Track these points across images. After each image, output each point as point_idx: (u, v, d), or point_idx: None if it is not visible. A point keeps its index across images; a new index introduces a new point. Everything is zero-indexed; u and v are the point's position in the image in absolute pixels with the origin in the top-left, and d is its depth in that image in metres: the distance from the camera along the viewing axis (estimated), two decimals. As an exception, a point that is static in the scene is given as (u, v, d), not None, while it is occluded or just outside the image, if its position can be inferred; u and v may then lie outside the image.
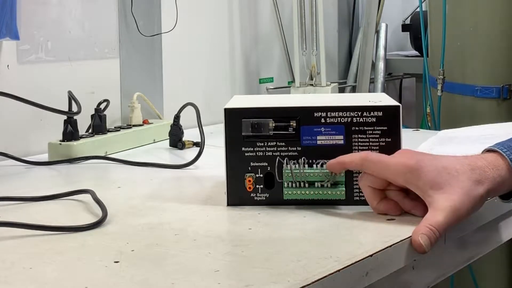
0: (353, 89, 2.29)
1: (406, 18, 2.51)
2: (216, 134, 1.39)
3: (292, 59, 1.91)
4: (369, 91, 2.25)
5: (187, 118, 1.45)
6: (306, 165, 0.92)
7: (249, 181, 0.93)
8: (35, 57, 1.42)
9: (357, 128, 0.92)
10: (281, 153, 0.93)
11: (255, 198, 0.94)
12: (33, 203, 0.99)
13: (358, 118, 0.92)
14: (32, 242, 0.80)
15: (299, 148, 0.93)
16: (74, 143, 1.30)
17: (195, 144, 1.42)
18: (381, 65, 2.32)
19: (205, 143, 1.28)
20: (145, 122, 1.53)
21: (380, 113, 0.92)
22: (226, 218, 0.90)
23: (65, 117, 1.32)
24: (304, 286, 0.65)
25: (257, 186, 0.93)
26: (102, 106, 1.42)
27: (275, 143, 0.93)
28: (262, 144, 0.93)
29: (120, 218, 0.90)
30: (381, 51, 2.33)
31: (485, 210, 0.96)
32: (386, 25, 2.35)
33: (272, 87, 2.04)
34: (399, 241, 0.78)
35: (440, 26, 1.92)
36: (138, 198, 1.01)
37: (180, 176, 1.17)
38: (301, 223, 0.86)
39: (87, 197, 0.99)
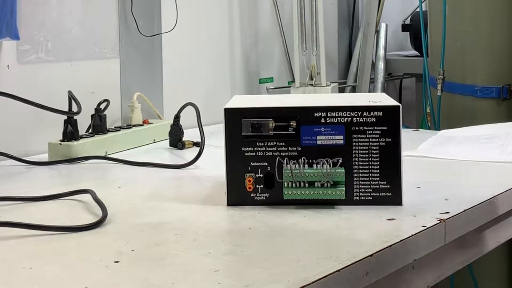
0: (353, 89, 2.28)
1: (406, 18, 2.51)
2: (216, 134, 1.39)
3: (292, 59, 1.91)
4: (369, 91, 2.25)
5: (187, 118, 1.45)
6: (306, 165, 0.92)
7: (249, 181, 0.93)
8: (35, 57, 1.42)
9: (357, 128, 0.92)
10: (281, 153, 0.93)
11: (255, 198, 0.94)
12: (33, 203, 0.99)
13: (358, 118, 0.92)
14: (32, 242, 0.80)
15: (299, 148, 0.93)
16: (74, 143, 1.30)
17: (195, 144, 1.42)
18: (381, 65, 2.32)
19: (205, 143, 1.28)
20: (145, 122, 1.53)
21: (380, 113, 0.92)
22: (226, 218, 0.90)
23: (65, 117, 1.32)
24: (304, 286, 0.65)
25: (257, 186, 0.93)
26: (102, 106, 1.42)
27: (275, 143, 0.93)
28: (262, 144, 0.93)
29: (120, 218, 0.90)
30: (381, 51, 2.33)
31: (485, 210, 0.96)
32: (386, 25, 2.35)
33: (272, 87, 2.04)
34: (399, 241, 0.78)
35: (440, 26, 1.91)
36: (138, 198, 1.01)
37: (180, 176, 1.17)
38: (301, 223, 0.86)
39: (87, 197, 0.99)
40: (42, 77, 1.43)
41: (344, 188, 0.91)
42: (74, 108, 1.32)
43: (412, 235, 0.80)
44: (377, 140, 0.92)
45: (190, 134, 1.44)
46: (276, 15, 1.93)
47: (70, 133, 1.31)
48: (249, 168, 0.94)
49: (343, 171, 0.91)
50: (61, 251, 0.77)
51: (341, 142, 0.92)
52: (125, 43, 1.60)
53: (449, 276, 1.07)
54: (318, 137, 0.93)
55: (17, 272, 0.70)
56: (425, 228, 0.83)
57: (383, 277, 0.76)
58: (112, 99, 1.50)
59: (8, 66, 1.37)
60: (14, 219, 0.85)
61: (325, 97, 1.13)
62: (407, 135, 1.28)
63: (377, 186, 0.93)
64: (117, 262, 0.73)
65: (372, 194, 0.93)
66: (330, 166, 0.91)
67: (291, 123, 0.93)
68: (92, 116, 1.40)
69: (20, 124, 1.40)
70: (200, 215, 0.91)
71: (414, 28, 2.37)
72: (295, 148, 0.93)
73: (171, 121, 1.45)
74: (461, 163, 1.22)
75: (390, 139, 0.92)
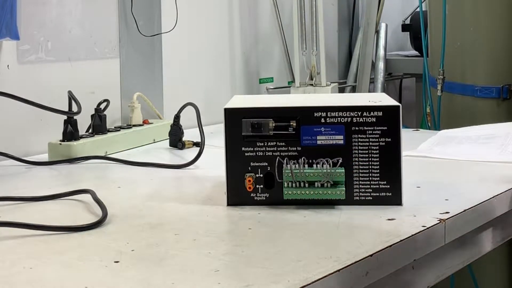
0: (353, 89, 2.28)
1: (406, 18, 2.51)
2: (216, 134, 1.39)
3: (292, 59, 1.91)
4: (369, 91, 2.25)
5: (187, 118, 1.45)
6: (306, 165, 0.92)
7: (249, 181, 0.93)
8: (35, 57, 1.42)
9: (357, 128, 0.92)
10: (281, 153, 0.93)
11: (255, 198, 0.94)
12: (33, 203, 0.99)
13: (358, 118, 0.92)
14: (32, 242, 0.80)
15: (299, 148, 0.93)
16: (74, 143, 1.30)
17: (195, 144, 1.42)
18: (381, 65, 2.32)
19: (205, 143, 1.28)
20: (145, 122, 1.53)
21: (380, 113, 0.92)
22: (226, 218, 0.90)
23: (65, 117, 1.32)
24: (304, 286, 0.65)
25: (257, 186, 0.93)
26: (102, 106, 1.42)
27: (275, 143, 0.93)
28: (262, 144, 0.93)
29: (120, 218, 0.90)
30: (381, 51, 2.33)
31: (485, 210, 0.96)
32: (386, 25, 2.35)
33: (272, 87, 2.04)
34: (399, 241, 0.78)
35: (440, 26, 1.91)
36: (138, 198, 1.01)
37: (180, 176, 1.17)
38: (301, 223, 0.86)
39: (87, 197, 0.99)
40: (42, 77, 1.43)
41: (344, 188, 0.91)
42: (74, 108, 1.32)
43: (412, 235, 0.80)
44: (377, 140, 0.92)
45: (190, 134, 1.44)
46: (276, 15, 1.93)
47: (70, 133, 1.31)
48: (249, 168, 0.94)
49: (343, 171, 0.91)
50: (61, 251, 0.77)
51: (341, 142, 0.92)
52: (125, 43, 1.60)
53: (449, 276, 1.07)
54: (318, 137, 0.93)
55: (17, 272, 0.70)
56: (425, 228, 0.83)
57: (383, 277, 0.76)
58: (112, 99, 1.50)
59: (8, 66, 1.37)
60: (14, 219, 0.85)
61: (325, 97, 1.13)
62: (407, 135, 1.28)
63: (377, 186, 0.93)
64: (117, 262, 0.73)
65: (372, 194, 0.93)
66: (330, 166, 0.91)
67: (291, 123, 0.93)
68: (92, 116, 1.40)
69: (20, 124, 1.40)
70: (200, 215, 0.91)
71: (414, 28, 2.37)
72: (295, 148, 0.93)
73: (171, 121, 1.45)
74: (461, 163, 1.22)
75: (390, 139, 0.92)
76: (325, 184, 0.91)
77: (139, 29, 1.61)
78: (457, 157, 1.25)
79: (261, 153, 0.93)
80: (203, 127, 1.34)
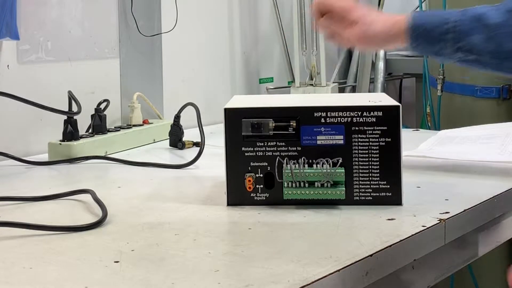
0: (353, 89, 2.28)
1: (406, 18, 2.51)
2: (216, 134, 1.39)
3: (292, 59, 1.91)
4: (369, 91, 2.25)
5: (187, 118, 1.45)
6: (306, 165, 0.92)
7: (249, 181, 0.93)
8: (35, 57, 1.42)
9: (357, 128, 0.92)
10: (281, 153, 0.93)
11: (255, 198, 0.94)
12: (33, 203, 0.99)
13: (358, 118, 0.92)
14: (32, 242, 0.80)
15: (299, 148, 0.93)
16: (74, 143, 1.30)
17: (195, 144, 1.42)
18: (381, 65, 2.32)
19: (205, 143, 1.28)
20: (145, 122, 1.53)
21: (380, 113, 0.92)
22: (226, 218, 0.90)
23: (65, 117, 1.32)
24: (304, 286, 0.65)
25: (257, 186, 0.93)
26: (102, 106, 1.42)
27: (275, 143, 0.93)
28: (262, 144, 0.93)
29: (120, 218, 0.90)
30: (381, 51, 2.32)
31: (485, 210, 0.96)
32: (386, 25, 2.34)
33: (272, 87, 2.04)
34: (399, 241, 0.78)
35: (440, 26, 1.91)
36: (138, 198, 1.01)
37: (180, 176, 1.17)
38: (301, 223, 0.86)
39: (87, 197, 0.99)
40: (42, 77, 1.43)
41: (344, 188, 0.91)
42: (74, 108, 1.32)
43: (412, 235, 0.80)
44: (377, 140, 0.92)
45: (190, 134, 1.44)
46: (276, 15, 1.93)
47: (70, 133, 1.31)
48: (249, 168, 0.94)
49: (343, 171, 0.91)
50: (61, 251, 0.77)
51: (341, 142, 0.92)
52: (125, 43, 1.60)
53: (449, 276, 1.07)
54: (318, 137, 0.93)
55: (17, 272, 0.70)
56: (425, 228, 0.83)
57: (383, 277, 0.76)
58: (112, 99, 1.50)
59: (8, 66, 1.37)
60: (14, 219, 0.85)
61: (325, 97, 1.13)
62: (407, 135, 1.28)
63: (377, 186, 0.93)
64: (117, 262, 0.73)
65: (372, 194, 0.93)
66: (330, 166, 0.91)
67: (291, 123, 0.93)
68: (92, 116, 1.40)
69: (20, 124, 1.40)
70: (200, 215, 0.91)
71: (414, 28, 2.36)
72: (295, 148, 0.93)
73: (171, 121, 1.45)
74: (461, 163, 1.22)
75: (390, 139, 0.92)
76: (325, 184, 0.91)
77: (139, 29, 1.61)
78: (457, 157, 1.25)
79: (261, 153, 0.93)
80: (203, 127, 1.34)
